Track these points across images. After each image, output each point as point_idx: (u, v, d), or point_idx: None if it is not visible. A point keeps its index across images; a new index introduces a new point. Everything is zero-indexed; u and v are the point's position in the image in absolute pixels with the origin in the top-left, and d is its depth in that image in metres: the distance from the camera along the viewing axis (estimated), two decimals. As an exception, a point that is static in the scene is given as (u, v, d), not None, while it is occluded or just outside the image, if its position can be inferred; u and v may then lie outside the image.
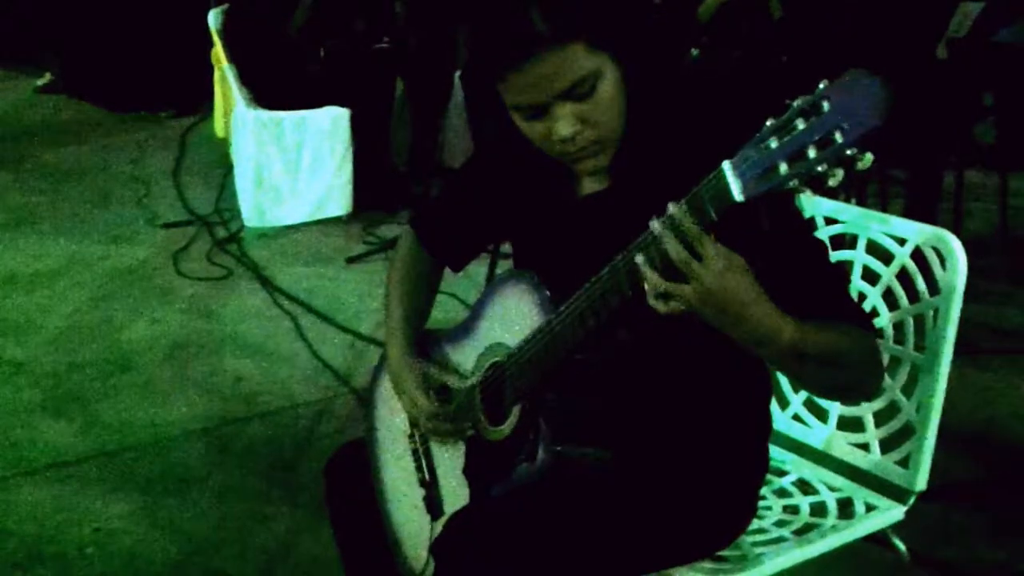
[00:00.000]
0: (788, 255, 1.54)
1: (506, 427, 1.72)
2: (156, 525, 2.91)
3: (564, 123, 1.55)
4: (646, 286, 1.41)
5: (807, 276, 1.56)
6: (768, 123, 1.28)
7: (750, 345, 1.45)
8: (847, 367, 1.53)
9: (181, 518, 2.94)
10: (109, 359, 3.86)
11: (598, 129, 1.57)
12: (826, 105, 1.21)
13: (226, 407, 3.53)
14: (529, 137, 1.62)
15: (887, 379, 1.98)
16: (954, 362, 1.90)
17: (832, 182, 1.23)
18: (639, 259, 1.40)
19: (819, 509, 2.01)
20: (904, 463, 1.96)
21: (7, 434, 3.36)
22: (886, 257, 2.00)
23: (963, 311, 1.88)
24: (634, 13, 1.61)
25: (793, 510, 2.02)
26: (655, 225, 1.38)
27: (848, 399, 1.99)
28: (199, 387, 3.66)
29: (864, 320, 1.58)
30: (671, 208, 1.37)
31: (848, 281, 1.66)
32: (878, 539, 1.98)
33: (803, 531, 1.94)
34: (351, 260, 4.77)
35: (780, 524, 1.97)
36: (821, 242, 1.66)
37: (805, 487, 2.09)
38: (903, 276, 1.98)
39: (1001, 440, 3.28)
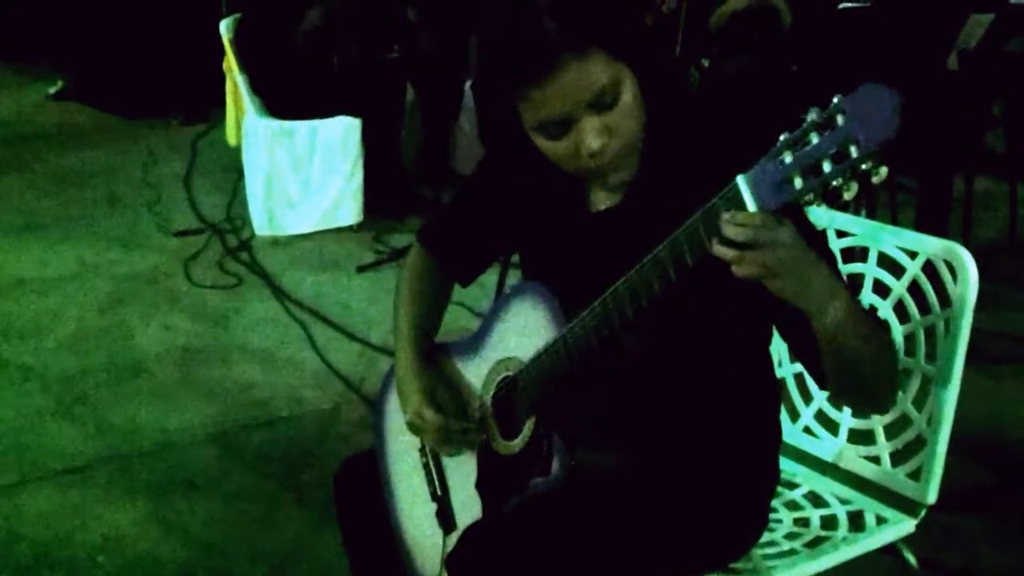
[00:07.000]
0: None
1: (519, 441, 1.71)
2: (165, 529, 2.91)
3: (593, 135, 1.54)
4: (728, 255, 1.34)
5: None
6: (782, 137, 1.28)
7: (814, 310, 1.39)
8: (880, 353, 1.49)
9: (191, 523, 2.95)
10: (119, 364, 3.86)
11: (624, 139, 1.56)
12: (840, 119, 1.21)
13: (236, 413, 3.53)
14: (553, 158, 1.60)
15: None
16: (964, 369, 1.90)
17: (847, 195, 1.23)
18: (714, 243, 1.34)
19: (830, 522, 2.01)
20: (915, 476, 1.96)
21: (17, 439, 3.37)
22: (897, 269, 2.00)
23: (973, 319, 1.88)
24: (642, 22, 1.61)
25: (804, 522, 2.02)
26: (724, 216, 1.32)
27: (869, 403, 1.74)
28: (209, 393, 3.66)
29: (881, 325, 1.58)
30: (725, 216, 1.32)
31: (857, 294, 1.66)
32: (887, 548, 1.98)
33: (814, 544, 1.94)
34: (361, 268, 4.77)
35: (791, 536, 1.97)
36: (832, 254, 1.66)
37: (816, 499, 2.09)
38: (914, 288, 1.98)
39: (1010, 447, 3.28)
